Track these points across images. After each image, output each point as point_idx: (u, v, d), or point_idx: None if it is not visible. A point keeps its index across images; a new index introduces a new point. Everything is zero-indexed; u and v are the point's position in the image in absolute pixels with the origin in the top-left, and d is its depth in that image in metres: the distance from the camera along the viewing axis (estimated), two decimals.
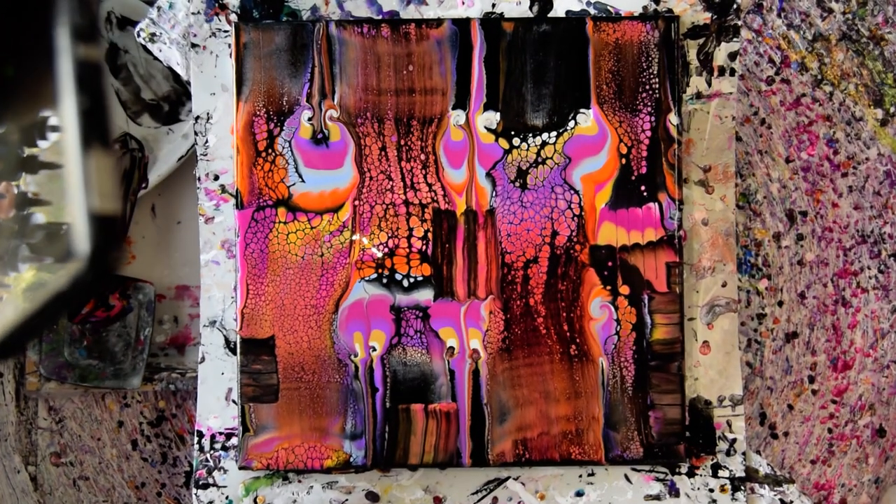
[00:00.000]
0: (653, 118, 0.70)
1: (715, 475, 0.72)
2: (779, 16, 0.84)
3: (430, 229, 0.70)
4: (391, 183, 0.70)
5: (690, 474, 0.72)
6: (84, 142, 0.38)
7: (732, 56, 0.72)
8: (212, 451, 0.72)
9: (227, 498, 0.72)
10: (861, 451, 0.85)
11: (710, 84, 0.72)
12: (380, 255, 0.70)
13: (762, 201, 0.85)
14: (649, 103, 0.70)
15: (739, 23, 0.71)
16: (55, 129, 0.43)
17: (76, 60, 0.38)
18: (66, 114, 0.38)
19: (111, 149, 0.38)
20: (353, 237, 0.70)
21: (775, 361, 0.85)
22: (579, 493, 0.72)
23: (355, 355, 0.70)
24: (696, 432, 0.72)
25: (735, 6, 0.71)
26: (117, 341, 0.81)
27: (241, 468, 0.70)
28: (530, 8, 0.71)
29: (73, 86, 0.38)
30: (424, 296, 0.70)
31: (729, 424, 0.72)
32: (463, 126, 0.70)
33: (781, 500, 0.72)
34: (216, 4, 0.72)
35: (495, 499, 0.72)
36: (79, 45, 0.38)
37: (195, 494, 0.72)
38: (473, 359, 0.70)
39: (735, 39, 0.71)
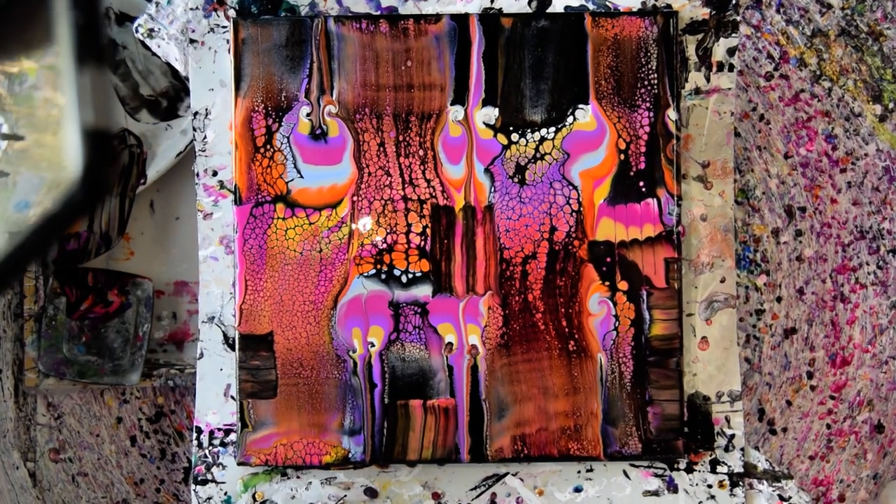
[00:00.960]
0: (651, 114, 0.70)
1: (713, 471, 0.72)
2: (777, 11, 0.84)
3: (429, 225, 0.70)
4: (389, 179, 0.70)
5: (689, 470, 0.72)
6: (78, 58, 0.37)
7: (731, 52, 0.72)
8: (210, 447, 0.72)
9: (225, 494, 0.72)
10: (859, 446, 0.85)
11: (708, 80, 0.72)
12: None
13: (761, 197, 0.85)
14: (648, 99, 0.70)
15: (738, 18, 0.71)
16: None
17: None
18: (60, 29, 0.37)
19: (105, 66, 0.38)
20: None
21: (774, 357, 0.85)
22: (578, 489, 0.72)
23: (354, 351, 0.70)
24: (695, 428, 0.72)
25: (734, 2, 0.71)
26: (116, 337, 0.81)
27: (239, 464, 0.70)
28: (529, 3, 0.71)
29: (67, 1, 0.37)
30: (423, 292, 0.70)
31: (727, 420, 0.72)
32: (461, 122, 0.70)
33: (780, 495, 0.72)
34: (214, 0, 0.72)
35: (494, 494, 0.72)
36: None
37: (194, 490, 0.72)
38: (472, 354, 0.70)
39: (734, 35, 0.71)
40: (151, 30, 0.73)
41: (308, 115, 0.70)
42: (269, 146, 0.70)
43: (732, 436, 0.72)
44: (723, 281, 0.72)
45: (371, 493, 0.72)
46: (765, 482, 0.73)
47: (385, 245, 0.70)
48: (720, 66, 0.72)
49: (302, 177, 0.70)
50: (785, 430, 0.85)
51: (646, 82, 0.70)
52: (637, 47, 0.70)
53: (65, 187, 0.37)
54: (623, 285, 0.70)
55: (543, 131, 0.70)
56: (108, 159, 0.37)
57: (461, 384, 0.70)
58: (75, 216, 0.38)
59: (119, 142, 0.81)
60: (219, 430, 0.72)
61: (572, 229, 0.70)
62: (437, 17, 0.70)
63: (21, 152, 0.43)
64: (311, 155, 0.70)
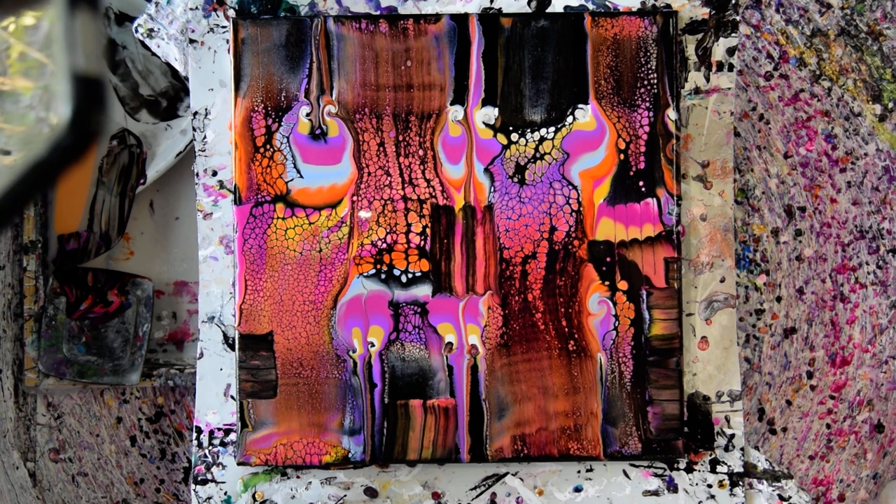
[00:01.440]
0: (651, 113, 0.70)
1: (713, 471, 0.72)
2: (777, 11, 0.84)
3: (429, 225, 0.70)
4: (389, 179, 0.70)
5: (689, 470, 0.72)
6: (70, 1, 0.37)
7: (731, 51, 0.72)
8: (210, 447, 0.72)
9: (225, 494, 0.72)
10: (859, 446, 0.85)
11: (708, 79, 0.72)
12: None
13: (760, 197, 0.85)
14: (647, 99, 0.70)
15: (738, 18, 0.71)
16: None
17: None
18: None
19: (97, 10, 0.37)
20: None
21: (773, 357, 0.85)
22: (578, 489, 0.72)
23: (354, 351, 0.70)
24: (695, 428, 0.72)
25: (733, 2, 0.71)
26: (116, 337, 0.81)
27: (239, 464, 0.70)
28: (528, 3, 0.71)
29: None
30: (423, 291, 0.70)
31: (727, 420, 0.72)
32: (461, 121, 0.70)
33: (780, 495, 0.72)
34: (214, 0, 0.72)
35: (494, 494, 0.72)
36: None
37: (194, 490, 0.72)
38: (472, 354, 0.70)
39: (733, 35, 0.71)
40: (151, 30, 0.73)
41: (308, 114, 0.70)
42: (268, 146, 0.70)
43: (732, 435, 0.72)
44: (722, 281, 0.72)
45: (371, 492, 0.72)
46: (765, 482, 0.73)
47: (385, 245, 0.70)
48: (720, 66, 0.72)
49: (302, 177, 0.70)
50: (785, 429, 0.85)
51: (645, 82, 0.70)
52: (637, 47, 0.70)
53: (54, 132, 0.36)
54: (623, 285, 0.70)
55: (543, 131, 0.70)
56: (98, 105, 0.37)
57: (461, 384, 0.70)
58: (64, 162, 0.37)
59: (119, 142, 0.81)
60: (219, 429, 0.72)
61: (572, 229, 0.70)
62: (436, 17, 0.70)
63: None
64: (311, 155, 0.70)
